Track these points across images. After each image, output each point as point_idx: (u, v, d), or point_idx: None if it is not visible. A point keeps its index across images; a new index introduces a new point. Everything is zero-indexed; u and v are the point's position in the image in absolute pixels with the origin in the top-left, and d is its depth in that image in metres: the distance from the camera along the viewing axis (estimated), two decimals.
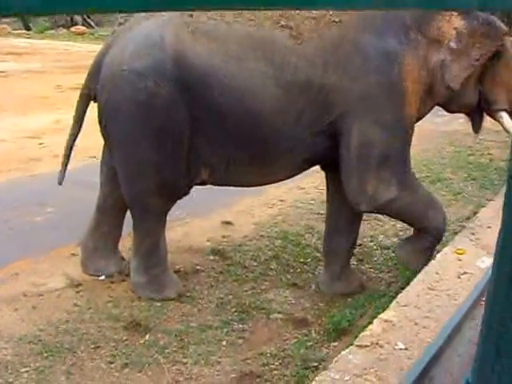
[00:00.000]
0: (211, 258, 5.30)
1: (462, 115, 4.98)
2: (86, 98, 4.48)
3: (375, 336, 2.63)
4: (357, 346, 2.58)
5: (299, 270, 5.20)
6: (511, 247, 1.07)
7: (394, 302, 3.04)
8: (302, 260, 5.34)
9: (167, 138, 4.20)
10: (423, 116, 4.66)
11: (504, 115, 4.69)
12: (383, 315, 2.95)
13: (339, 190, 4.63)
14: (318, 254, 5.37)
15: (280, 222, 6.10)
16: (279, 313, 4.56)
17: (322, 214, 6.17)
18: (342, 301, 4.77)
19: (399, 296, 3.04)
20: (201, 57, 4.10)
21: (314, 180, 6.63)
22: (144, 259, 4.56)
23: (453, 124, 9.79)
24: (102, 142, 4.60)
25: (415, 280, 3.24)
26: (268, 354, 4.07)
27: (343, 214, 4.82)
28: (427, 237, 4.71)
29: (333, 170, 4.60)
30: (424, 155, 8.55)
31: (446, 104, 4.68)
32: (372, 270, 5.29)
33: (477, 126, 4.91)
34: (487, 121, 5.01)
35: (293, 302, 4.73)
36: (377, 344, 2.53)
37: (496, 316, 1.12)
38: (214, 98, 4.12)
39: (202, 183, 4.51)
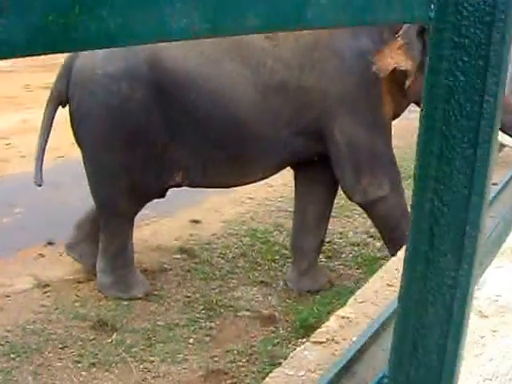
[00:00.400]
0: (179, 256, 5.32)
1: None
2: (56, 101, 4.47)
3: (331, 332, 2.67)
4: (312, 342, 2.62)
5: (267, 267, 5.23)
6: (421, 247, 1.12)
7: (351, 299, 3.09)
8: (269, 257, 5.37)
9: (139, 141, 4.21)
10: (399, 114, 4.73)
11: None
12: (340, 311, 2.99)
13: (307, 188, 4.69)
14: (286, 252, 5.41)
15: (248, 220, 6.13)
16: (247, 310, 4.59)
17: (290, 212, 6.18)
18: (310, 298, 4.81)
19: (357, 292, 3.09)
20: (176, 59, 4.12)
21: (283, 177, 6.66)
22: (111, 260, 4.57)
23: None
24: (71, 141, 4.60)
25: (374, 276, 3.29)
26: (235, 351, 4.11)
27: (311, 211, 4.87)
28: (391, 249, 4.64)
29: (302, 168, 4.65)
30: (395, 152, 8.59)
31: (420, 103, 4.73)
32: (341, 266, 5.34)
33: None
34: None
35: (260, 299, 4.76)
36: (332, 340, 2.58)
37: (411, 309, 1.17)
38: (190, 100, 4.15)
39: (177, 185, 4.54)
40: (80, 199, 5.58)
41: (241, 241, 5.66)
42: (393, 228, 4.68)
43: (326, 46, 4.24)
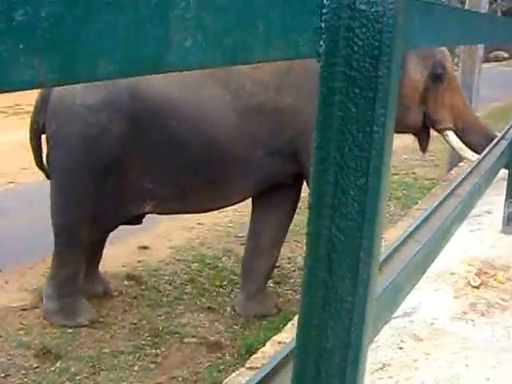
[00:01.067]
0: (126, 282, 5.29)
1: None
2: (36, 132, 4.46)
3: (266, 358, 2.69)
4: (247, 367, 2.64)
5: (215, 293, 5.23)
6: (319, 273, 1.15)
7: (288, 324, 3.11)
8: (217, 283, 5.37)
9: (111, 172, 4.22)
10: None
11: (450, 134, 4.94)
12: (276, 337, 3.01)
13: (264, 212, 4.73)
14: (235, 277, 5.42)
15: (197, 246, 6.13)
16: (193, 336, 4.58)
17: (239, 237, 6.25)
18: (257, 323, 4.82)
19: (295, 318, 3.11)
20: (156, 88, 4.14)
21: None
22: (60, 287, 4.54)
23: None
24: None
25: None
26: (180, 378, 4.10)
27: (266, 235, 4.90)
28: None
29: (265, 192, 4.71)
30: None
31: None
32: (289, 291, 5.36)
33: (424, 146, 5.13)
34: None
35: (207, 325, 4.75)
36: None
37: (313, 334, 1.20)
38: (171, 127, 4.17)
39: (145, 214, 4.55)
40: (28, 226, 5.55)
41: (189, 267, 5.66)
42: None
43: (302, 67, 4.30)
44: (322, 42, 1.10)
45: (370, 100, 1.13)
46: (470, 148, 4.93)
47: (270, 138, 4.34)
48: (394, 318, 3.08)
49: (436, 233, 2.29)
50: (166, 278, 5.42)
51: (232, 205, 4.94)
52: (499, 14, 29.27)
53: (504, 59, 28.26)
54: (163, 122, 4.16)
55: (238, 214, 6.69)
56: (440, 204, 2.60)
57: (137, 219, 4.64)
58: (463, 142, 4.91)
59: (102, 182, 4.23)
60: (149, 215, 4.86)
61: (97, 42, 0.65)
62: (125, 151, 4.17)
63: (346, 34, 1.12)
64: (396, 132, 4.42)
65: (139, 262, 5.68)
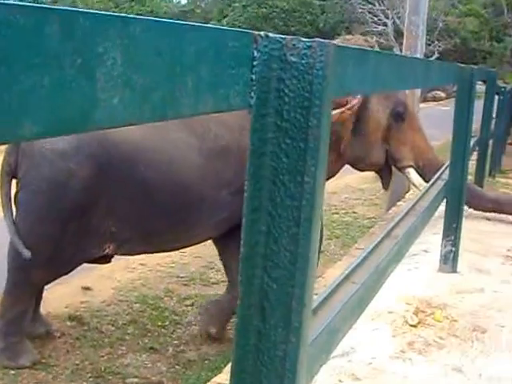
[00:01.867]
0: (68, 323, 5.22)
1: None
2: (8, 173, 4.40)
3: None
4: None
5: (156, 333, 5.19)
6: (253, 321, 1.16)
7: (229, 365, 3.10)
8: (159, 323, 5.33)
9: (74, 217, 4.18)
10: (334, 175, 4.88)
11: (411, 171, 5.03)
12: (216, 378, 3.01)
13: (225, 245, 4.82)
14: (176, 317, 5.39)
15: (140, 286, 6.08)
16: (135, 377, 4.53)
17: (181, 277, 6.25)
18: (199, 363, 4.79)
19: None
20: (123, 133, 4.13)
21: None
22: (5, 326, 4.46)
23: None
24: None
25: None
26: None
27: (235, 264, 4.97)
28: None
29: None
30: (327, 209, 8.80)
31: (355, 163, 4.95)
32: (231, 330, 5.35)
33: (386, 183, 5.20)
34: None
35: (149, 365, 4.71)
36: None
37: (246, 382, 1.21)
38: (138, 172, 4.17)
39: (105, 256, 4.52)
40: None
41: (131, 307, 5.61)
42: None
43: None
44: (253, 94, 1.12)
45: (301, 151, 1.15)
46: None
47: (234, 176, 4.39)
48: (333, 358, 3.10)
49: (372, 274, 2.32)
50: (109, 318, 5.36)
51: (198, 243, 4.94)
52: (436, 54, 30.00)
53: (441, 99, 28.92)
54: (130, 167, 4.17)
55: (180, 255, 6.68)
56: (376, 245, 2.63)
57: (105, 258, 4.59)
58: (424, 180, 4.99)
59: (63, 226, 4.20)
60: None
61: (21, 102, 0.65)
62: (91, 196, 4.16)
63: (277, 85, 1.14)
64: (360, 170, 4.53)
65: (82, 302, 5.61)
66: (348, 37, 5.24)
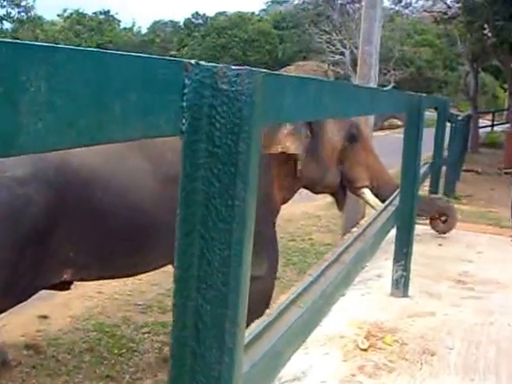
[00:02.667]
0: (25, 352, 5.18)
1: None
2: None
3: None
4: None
5: (113, 361, 5.16)
6: (188, 342, 1.19)
7: None
8: (116, 351, 5.31)
9: (32, 243, 4.15)
10: (290, 198, 4.93)
11: (366, 191, 5.12)
12: None
13: None
14: (133, 345, 5.38)
15: (96, 314, 6.05)
16: None
17: (139, 305, 6.23)
18: None
19: None
20: (82, 159, 4.13)
21: None
22: None
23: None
24: None
25: None
26: None
27: None
28: None
29: None
30: (284, 235, 8.83)
31: (311, 186, 5.02)
32: None
33: (341, 205, 5.27)
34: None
35: None
36: None
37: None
38: (96, 198, 4.16)
39: (63, 282, 4.49)
40: None
41: (88, 335, 5.58)
42: (253, 310, 4.82)
43: None
44: (184, 121, 1.15)
45: (232, 175, 1.19)
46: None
47: None
48: (284, 383, 3.13)
49: (318, 298, 2.36)
50: (65, 346, 5.33)
51: (155, 269, 4.94)
52: (392, 83, 30.43)
53: (398, 127, 29.23)
54: (88, 193, 4.18)
55: (138, 283, 6.67)
56: (324, 270, 2.68)
57: (64, 285, 4.56)
58: (379, 200, 5.07)
59: (21, 252, 4.17)
60: None
61: None
62: (49, 222, 4.14)
63: (209, 112, 1.18)
64: (316, 192, 4.58)
65: (38, 331, 5.58)
66: (301, 63, 5.32)
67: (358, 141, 5.04)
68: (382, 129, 29.88)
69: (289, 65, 5.41)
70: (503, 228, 7.72)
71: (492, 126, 27.95)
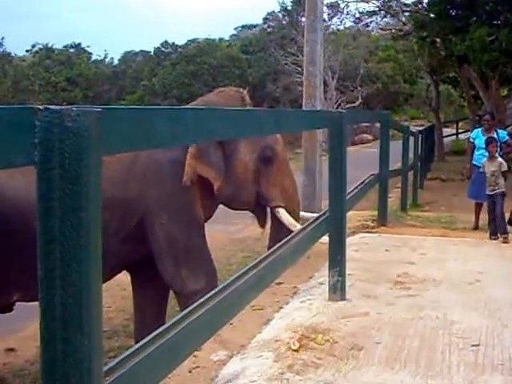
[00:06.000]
0: None
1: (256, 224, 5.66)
2: None
3: None
4: None
5: None
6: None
7: None
8: None
9: None
10: (210, 216, 5.22)
11: (281, 211, 5.41)
12: None
13: (143, 288, 5.12)
14: None
15: None
16: None
17: (105, 331, 6.41)
18: None
19: None
20: (17, 187, 4.33)
21: None
22: None
23: (244, 231, 10.36)
24: None
25: None
26: None
27: (149, 309, 5.25)
28: None
29: (136, 271, 5.08)
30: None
31: (228, 203, 5.32)
32: None
33: (261, 222, 5.55)
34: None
35: None
36: None
37: None
38: (30, 223, 4.36)
39: (15, 302, 4.70)
40: None
41: None
42: None
43: (146, 158, 4.74)
44: (36, 153, 1.46)
45: (79, 193, 1.50)
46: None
47: (120, 226, 4.67)
48: None
49: (226, 300, 2.65)
50: (31, 377, 5.51)
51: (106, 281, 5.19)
52: (360, 100, 30.96)
53: (368, 141, 29.76)
54: (24, 219, 4.36)
55: (105, 310, 6.85)
56: (239, 276, 2.96)
57: (7, 308, 4.77)
58: (295, 220, 5.39)
59: None
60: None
61: None
62: None
63: (60, 145, 1.49)
64: (233, 209, 4.85)
65: (5, 364, 5.74)
66: (221, 89, 5.60)
67: (273, 162, 5.31)
68: (353, 144, 30.42)
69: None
70: (455, 230, 8.08)
71: (457, 134, 28.61)
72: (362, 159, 16.93)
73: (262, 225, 5.60)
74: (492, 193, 7.34)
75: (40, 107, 1.47)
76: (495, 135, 8.05)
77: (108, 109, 1.64)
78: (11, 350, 6.04)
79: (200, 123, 2.31)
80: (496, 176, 7.28)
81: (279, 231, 5.27)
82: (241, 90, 5.38)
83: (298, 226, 5.09)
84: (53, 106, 1.49)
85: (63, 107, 1.50)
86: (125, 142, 1.82)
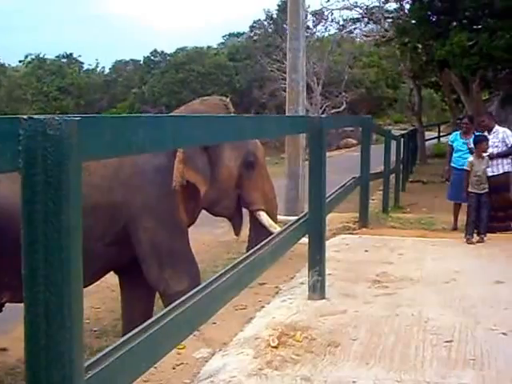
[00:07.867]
0: None
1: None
2: None
3: None
4: None
5: None
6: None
7: None
8: None
9: None
10: (194, 221, 5.38)
11: (261, 213, 5.61)
12: None
13: (131, 290, 5.26)
14: None
15: None
16: None
17: (95, 331, 6.51)
18: None
19: None
20: (4, 194, 4.43)
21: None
22: None
23: (230, 234, 10.44)
24: None
25: None
26: None
27: (136, 309, 5.40)
28: None
29: (124, 273, 5.23)
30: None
31: (209, 207, 5.48)
32: None
33: (237, 229, 5.70)
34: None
35: None
36: None
37: None
38: (15, 224, 4.44)
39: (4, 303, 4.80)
40: None
41: None
42: None
43: (131, 164, 4.87)
44: (20, 160, 1.58)
45: (60, 197, 1.62)
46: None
47: (105, 230, 4.79)
48: (199, 381, 3.53)
49: (204, 299, 2.77)
50: (23, 375, 5.56)
51: (96, 280, 5.32)
52: (344, 105, 31.15)
53: (353, 145, 29.97)
54: (11, 223, 4.45)
55: (95, 311, 6.95)
56: (220, 275, 3.08)
57: None
58: (275, 222, 5.55)
59: None
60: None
61: None
62: None
63: (43, 152, 1.61)
64: (215, 214, 4.98)
65: None
66: (205, 98, 5.75)
67: (254, 168, 5.50)
68: (338, 148, 30.64)
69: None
70: (434, 231, 8.22)
71: (438, 137, 28.93)
72: (345, 162, 17.13)
73: (237, 232, 5.77)
74: (482, 191, 7.28)
75: (24, 117, 1.59)
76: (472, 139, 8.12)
77: (88, 117, 1.77)
78: (3, 349, 6.11)
79: (179, 129, 2.44)
80: (486, 174, 7.33)
81: (258, 233, 5.40)
82: (223, 98, 5.52)
83: (278, 228, 5.22)
84: (36, 116, 1.61)
85: (46, 116, 1.62)
86: (105, 149, 1.94)
